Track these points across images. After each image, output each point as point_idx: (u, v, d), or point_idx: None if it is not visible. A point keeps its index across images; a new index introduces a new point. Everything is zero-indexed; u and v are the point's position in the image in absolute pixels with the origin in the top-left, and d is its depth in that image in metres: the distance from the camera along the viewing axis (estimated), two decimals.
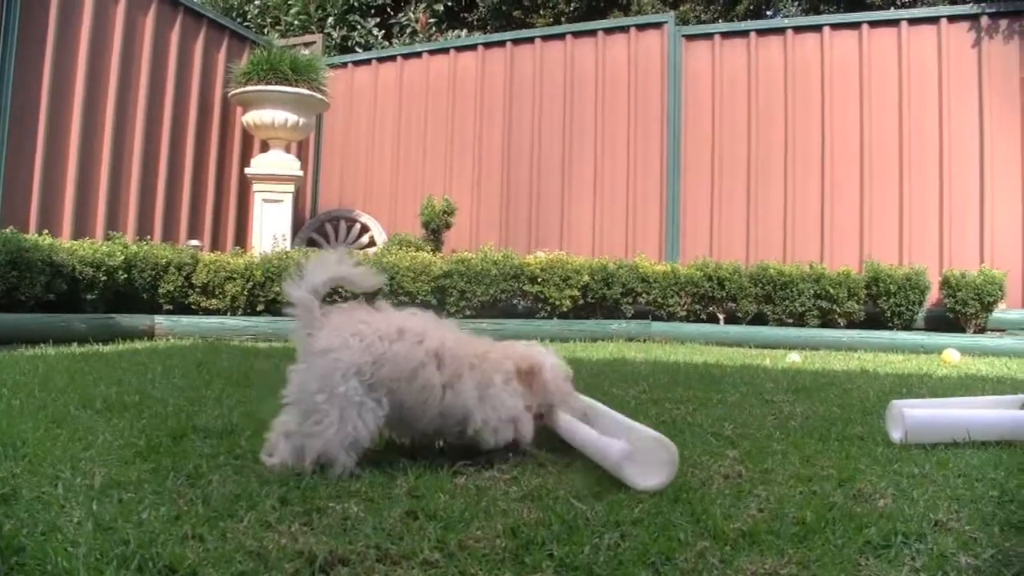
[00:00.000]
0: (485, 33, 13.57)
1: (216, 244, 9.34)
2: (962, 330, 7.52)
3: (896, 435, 2.62)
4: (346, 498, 1.80)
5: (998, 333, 7.51)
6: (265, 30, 13.26)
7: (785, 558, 1.47)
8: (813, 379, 4.36)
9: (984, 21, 8.44)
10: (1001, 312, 7.65)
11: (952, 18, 8.61)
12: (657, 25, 9.65)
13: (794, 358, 5.67)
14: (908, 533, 1.64)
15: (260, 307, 7.10)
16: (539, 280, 7.42)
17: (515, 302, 7.43)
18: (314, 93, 8.89)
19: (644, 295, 7.66)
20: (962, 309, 7.44)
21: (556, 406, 2.39)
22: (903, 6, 11.31)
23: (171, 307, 7.06)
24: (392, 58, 10.94)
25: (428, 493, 1.85)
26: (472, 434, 2.21)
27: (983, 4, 8.59)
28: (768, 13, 12.75)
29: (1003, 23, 8.39)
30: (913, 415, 2.60)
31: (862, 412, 3.21)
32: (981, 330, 7.56)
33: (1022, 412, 2.77)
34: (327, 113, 10.27)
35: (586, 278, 7.53)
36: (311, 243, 9.82)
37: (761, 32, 9.30)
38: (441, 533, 1.55)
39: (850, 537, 1.60)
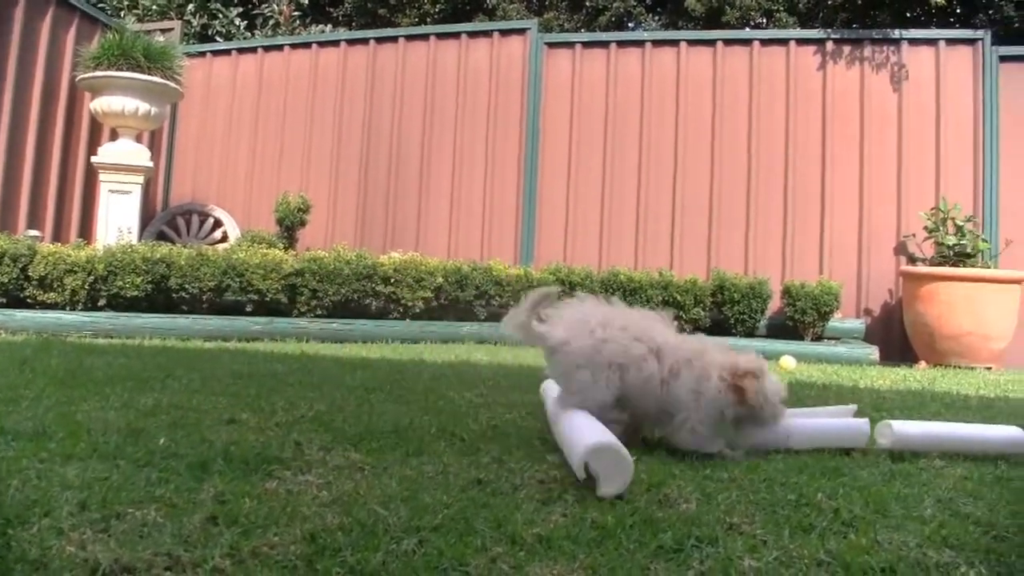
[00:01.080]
0: (349, 29, 13.44)
1: (59, 235, 8.94)
2: (801, 338, 7.86)
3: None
4: (148, 503, 1.76)
5: (833, 341, 7.88)
6: (122, 13, 12.76)
7: (576, 563, 1.51)
8: None
9: (829, 46, 8.84)
10: (837, 321, 8.03)
11: (800, 41, 8.99)
12: (520, 31, 9.74)
13: None
14: (702, 537, 1.70)
15: (102, 302, 6.83)
16: (392, 281, 7.37)
17: (368, 302, 7.35)
18: (168, 82, 8.60)
19: (498, 298, 7.71)
20: (801, 318, 7.77)
21: (765, 421, 2.52)
22: (756, 26, 11.73)
23: (4, 300, 6.73)
24: (253, 50, 10.71)
25: (234, 498, 1.82)
26: (673, 429, 2.50)
27: (828, 30, 9.02)
28: (630, 26, 13.03)
29: (846, 49, 8.81)
30: None
31: None
32: (818, 338, 7.92)
33: (831, 420, 2.92)
34: (183, 103, 9.98)
35: (440, 280, 7.53)
36: (161, 236, 9.52)
37: (621, 44, 9.50)
38: (237, 539, 1.53)
39: (644, 542, 1.65)
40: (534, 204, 9.33)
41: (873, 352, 7.31)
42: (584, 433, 2.19)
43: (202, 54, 10.78)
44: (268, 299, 7.08)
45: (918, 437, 2.77)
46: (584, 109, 9.39)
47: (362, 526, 1.64)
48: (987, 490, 2.29)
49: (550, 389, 2.86)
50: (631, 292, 7.72)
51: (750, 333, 7.87)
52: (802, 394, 4.37)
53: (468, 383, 4.02)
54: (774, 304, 8.14)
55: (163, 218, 9.90)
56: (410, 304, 7.38)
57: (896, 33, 8.76)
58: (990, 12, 9.43)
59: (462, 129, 9.66)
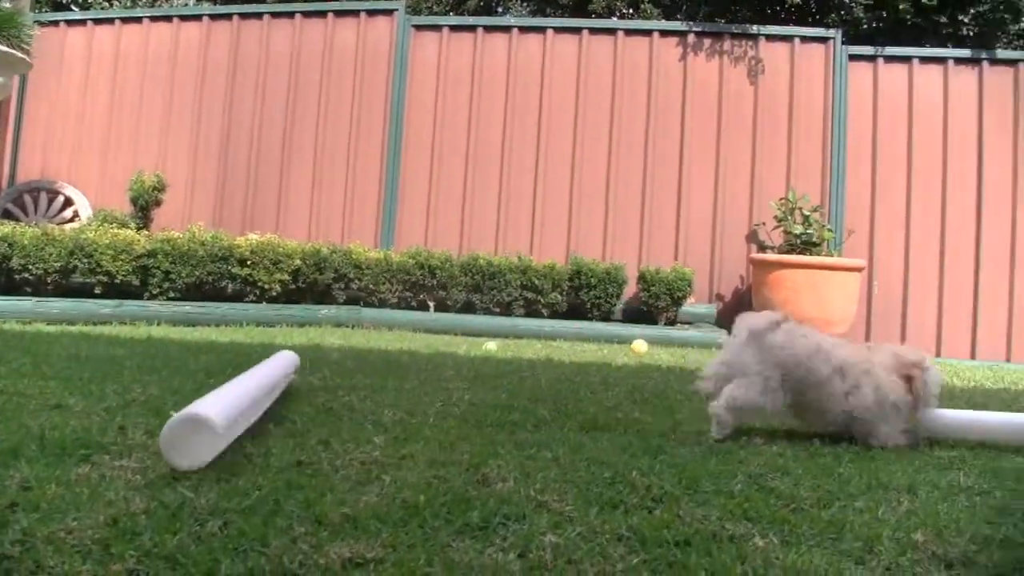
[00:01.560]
0: (213, 4, 13.06)
1: None
2: (655, 322, 8.06)
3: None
4: None
5: (686, 325, 8.11)
6: None
7: (378, 541, 1.53)
8: (497, 367, 4.53)
9: (691, 38, 9.08)
10: (690, 306, 8.26)
11: (663, 33, 9.19)
12: (387, 12, 9.64)
13: (490, 346, 5.87)
14: (509, 515, 1.75)
15: None
16: (249, 263, 7.23)
17: (224, 285, 7.20)
18: (13, 51, 8.17)
19: (357, 281, 7.67)
20: (655, 302, 7.98)
21: (929, 404, 2.92)
22: (623, 16, 11.92)
23: None
24: (110, 21, 10.30)
25: (39, 484, 1.78)
26: (865, 432, 2.85)
27: (691, 23, 9.26)
28: (498, 11, 13.07)
29: (707, 42, 9.06)
30: None
31: (530, 399, 3.38)
32: (672, 322, 8.14)
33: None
34: (32, 74, 9.54)
35: (298, 262, 7.44)
36: (7, 215, 9.10)
37: (488, 29, 9.52)
38: (32, 525, 1.50)
39: (451, 520, 1.69)
40: (396, 188, 9.27)
41: (722, 336, 7.54)
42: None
43: (55, 23, 10.30)
44: (118, 281, 6.86)
45: (960, 425, 3.02)
46: (450, 93, 9.38)
47: (166, 508, 1.63)
48: (796, 465, 2.42)
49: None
50: (490, 276, 7.79)
51: (606, 317, 8.04)
52: (647, 376, 4.51)
53: (313, 366, 3.99)
54: (630, 289, 8.32)
55: (8, 195, 9.46)
56: (267, 287, 7.27)
57: (754, 28, 9.06)
58: (842, 12, 9.84)
59: (326, 110, 9.52)
